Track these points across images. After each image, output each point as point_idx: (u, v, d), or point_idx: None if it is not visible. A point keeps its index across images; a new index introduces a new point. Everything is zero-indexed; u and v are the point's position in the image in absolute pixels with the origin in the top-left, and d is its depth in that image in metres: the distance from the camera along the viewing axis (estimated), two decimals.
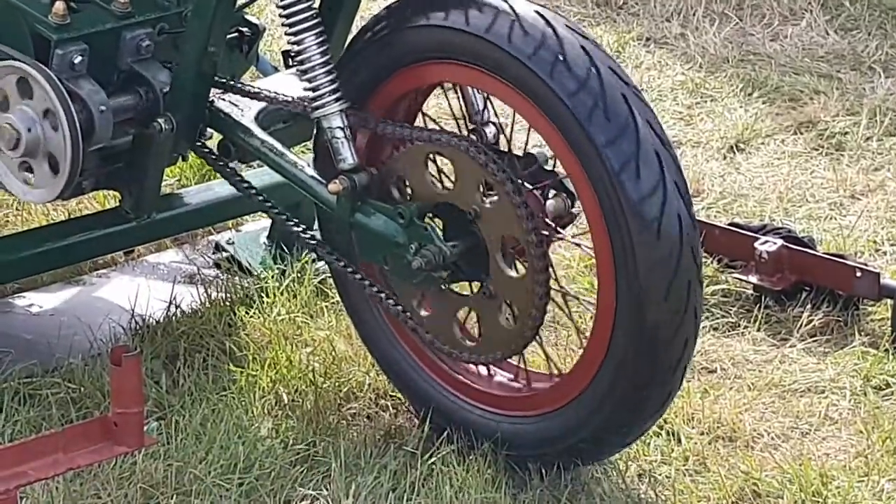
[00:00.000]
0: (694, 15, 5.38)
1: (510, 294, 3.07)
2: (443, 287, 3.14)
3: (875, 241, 4.03)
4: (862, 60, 5.05)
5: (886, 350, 3.53)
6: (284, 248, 3.88)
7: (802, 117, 4.67)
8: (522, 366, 3.23)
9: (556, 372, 3.20)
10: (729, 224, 3.91)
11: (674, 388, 3.04)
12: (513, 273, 3.06)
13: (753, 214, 4.11)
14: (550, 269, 3.03)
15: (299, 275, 3.76)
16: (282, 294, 3.70)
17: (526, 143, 3.15)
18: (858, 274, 3.66)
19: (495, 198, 3.02)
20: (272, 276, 3.75)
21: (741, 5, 5.48)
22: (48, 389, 3.36)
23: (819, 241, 3.89)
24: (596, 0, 5.53)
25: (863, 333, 3.62)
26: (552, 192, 3.10)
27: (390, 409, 3.37)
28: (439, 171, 3.14)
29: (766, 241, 3.75)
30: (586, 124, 2.89)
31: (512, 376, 3.24)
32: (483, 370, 3.26)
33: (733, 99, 4.80)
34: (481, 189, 3.05)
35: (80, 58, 3.23)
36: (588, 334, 3.06)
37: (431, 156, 3.12)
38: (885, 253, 3.98)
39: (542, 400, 3.14)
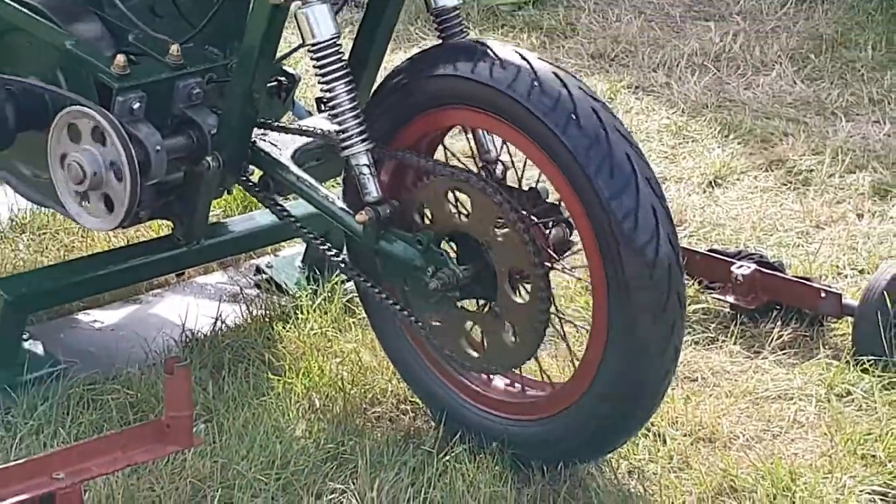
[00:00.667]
0: (677, 66, 5.42)
1: (514, 313, 3.10)
2: (456, 305, 3.18)
3: (837, 266, 4.05)
4: (825, 106, 5.07)
5: (848, 362, 3.55)
6: (317, 270, 3.90)
7: (773, 156, 4.69)
8: (525, 375, 3.27)
9: (554, 381, 3.24)
10: (708, 250, 3.93)
11: (659, 396, 3.07)
12: (517, 295, 3.09)
13: (730, 242, 4.14)
14: (551, 291, 3.07)
15: (330, 294, 3.79)
16: (314, 311, 3.72)
17: (520, 177, 3.19)
18: (823, 294, 3.68)
19: (504, 228, 3.04)
20: (306, 296, 3.77)
21: (718, 58, 5.52)
22: (109, 395, 3.39)
23: (788, 266, 3.91)
24: (591, 53, 5.57)
25: (827, 347, 3.64)
26: (553, 224, 3.15)
27: (410, 413, 3.40)
28: (455, 202, 3.15)
29: (742, 266, 3.77)
30: (592, 173, 2.94)
31: (516, 385, 3.27)
32: (491, 378, 3.29)
33: (712, 140, 4.83)
34: (491, 220, 3.08)
35: (138, 104, 3.27)
36: (584, 348, 3.09)
37: (447, 189, 3.16)
38: (846, 276, 4.00)
39: (543, 406, 3.17)
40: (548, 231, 3.11)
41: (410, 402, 3.42)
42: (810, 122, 4.95)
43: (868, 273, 3.95)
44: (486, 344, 3.19)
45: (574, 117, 2.95)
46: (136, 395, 3.40)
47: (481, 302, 3.19)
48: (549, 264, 3.07)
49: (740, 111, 5.05)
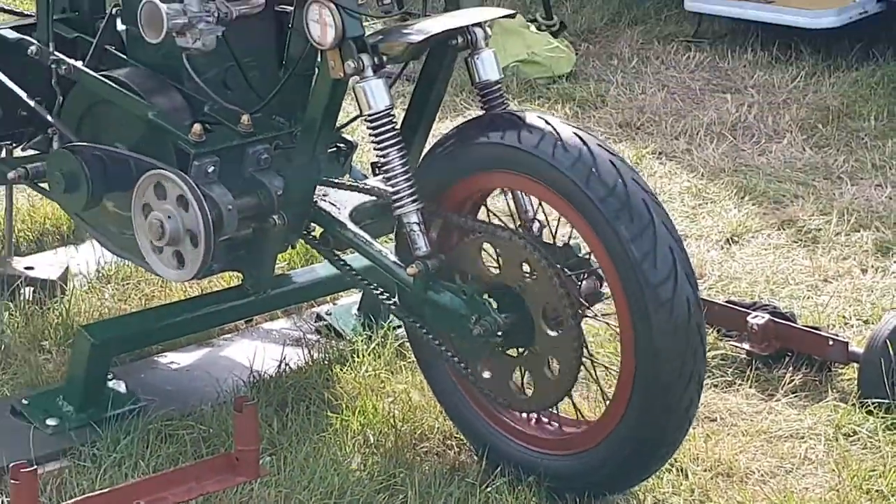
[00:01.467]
0: (697, 134, 5.39)
1: (550, 357, 3.08)
2: (497, 349, 3.15)
3: (843, 317, 3.99)
4: (832, 171, 5.02)
5: (854, 404, 3.50)
6: (371, 317, 3.87)
7: (784, 217, 4.65)
8: (559, 414, 3.24)
9: (585, 420, 3.20)
10: (726, 301, 3.89)
11: (682, 435, 3.04)
12: (552, 341, 3.07)
13: (745, 294, 4.09)
14: (583, 337, 3.05)
15: (383, 339, 3.76)
16: (369, 355, 3.70)
17: (554, 234, 3.17)
18: (831, 342, 3.63)
19: (541, 280, 3.03)
20: (361, 341, 3.74)
21: (735, 127, 5.48)
22: (184, 430, 3.37)
23: (799, 316, 3.86)
24: (619, 122, 5.55)
25: (834, 390, 3.59)
26: (585, 276, 3.13)
27: (455, 448, 3.36)
28: (496, 257, 3.14)
29: (757, 316, 3.73)
30: (620, 232, 2.92)
31: (551, 422, 3.24)
32: (528, 417, 3.25)
33: (728, 201, 4.79)
34: (529, 273, 3.07)
35: (212, 167, 3.27)
36: (613, 391, 3.06)
37: (490, 245, 3.14)
38: (851, 326, 3.95)
39: (576, 442, 3.14)
40: (580, 282, 3.10)
41: (455, 438, 3.38)
42: (818, 186, 4.90)
43: (872, 323, 3.90)
44: (523, 385, 3.16)
45: (594, 170, 2.94)
46: (208, 430, 3.38)
47: (520, 346, 3.15)
48: (581, 313, 3.05)
49: (755, 175, 5.00)
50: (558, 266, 3.03)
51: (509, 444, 3.23)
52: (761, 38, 6.31)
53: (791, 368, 3.68)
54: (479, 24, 3.21)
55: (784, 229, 4.57)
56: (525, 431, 3.23)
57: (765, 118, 5.55)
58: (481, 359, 3.17)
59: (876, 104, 5.61)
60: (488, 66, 3.25)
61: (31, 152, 3.93)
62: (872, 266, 4.31)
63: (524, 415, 3.26)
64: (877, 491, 3.18)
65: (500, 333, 3.09)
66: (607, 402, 3.09)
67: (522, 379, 3.17)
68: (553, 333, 3.04)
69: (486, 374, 3.18)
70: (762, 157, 5.20)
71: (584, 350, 3.06)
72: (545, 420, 3.25)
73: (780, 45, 6.23)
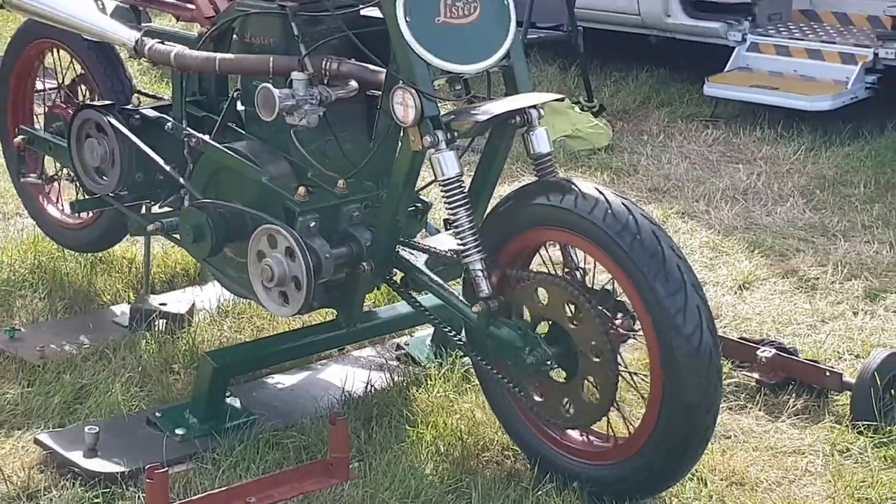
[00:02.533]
0: (714, 198, 5.36)
1: (591, 382, 3.07)
2: (547, 376, 3.14)
3: (838, 352, 3.95)
4: (828, 230, 4.98)
5: (847, 426, 3.46)
6: (442, 348, 3.85)
7: (788, 267, 4.61)
8: (600, 430, 3.21)
9: (622, 435, 3.17)
10: (739, 338, 3.85)
11: (702, 451, 3.02)
12: (593, 368, 3.05)
13: (755, 332, 4.05)
14: (618, 365, 3.03)
15: (451, 366, 3.74)
16: (440, 379, 3.68)
17: (593, 280, 3.16)
18: (827, 373, 3.59)
19: (584, 318, 3.02)
20: (434, 367, 3.73)
21: (746, 192, 5.45)
22: (287, 440, 3.36)
23: (800, 351, 3.82)
24: (648, 187, 5.53)
25: (830, 414, 3.55)
26: (620, 315, 3.11)
27: (511, 458, 3.33)
28: (547, 299, 3.13)
29: (765, 350, 3.69)
30: (650, 279, 2.91)
31: (591, 437, 3.21)
32: (574, 433, 3.24)
33: (741, 254, 4.75)
34: (574, 312, 3.06)
35: (314, 223, 3.29)
36: (644, 410, 3.04)
37: (541, 289, 3.13)
38: (845, 359, 3.90)
39: (613, 454, 3.12)
40: (616, 320, 3.08)
41: (511, 449, 3.36)
42: (816, 242, 4.86)
43: (862, 358, 3.85)
44: (569, 406, 3.13)
45: (638, 237, 2.92)
46: (307, 439, 3.37)
47: (566, 373, 3.13)
48: (616, 345, 3.03)
49: (762, 232, 4.97)
50: (599, 307, 3.01)
51: (557, 456, 3.21)
52: (768, 118, 6.29)
53: (794, 395, 3.63)
54: (533, 106, 3.22)
55: (787, 278, 4.53)
56: (570, 445, 3.21)
57: (771, 185, 5.51)
58: (534, 383, 3.15)
59: (864, 174, 5.58)
60: (541, 141, 3.25)
61: (163, 208, 3.96)
62: (862, 310, 4.26)
63: (569, 431, 3.23)
64: (867, 499, 3.14)
65: (549, 362, 3.08)
66: (639, 422, 3.07)
67: (568, 401, 3.13)
68: (594, 360, 3.02)
69: (537, 397, 3.16)
70: (769, 217, 5.16)
71: (620, 376, 3.03)
72: (587, 435, 3.22)
73: (784, 124, 6.20)
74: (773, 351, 3.70)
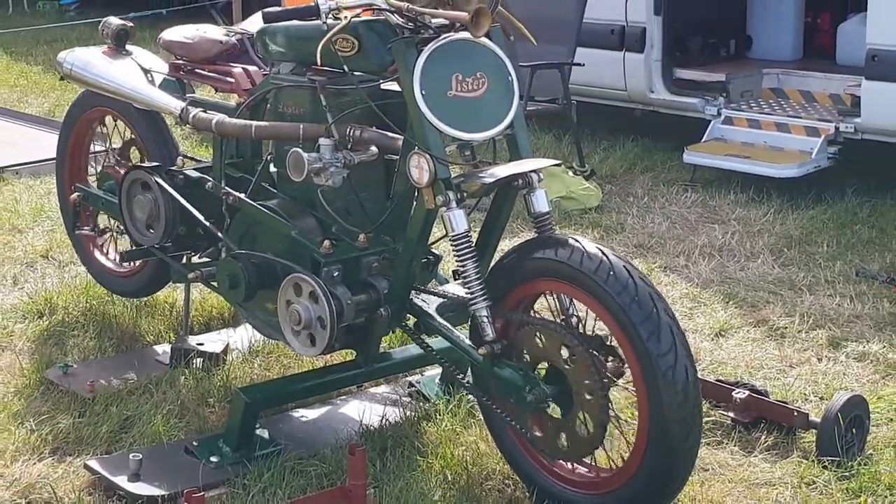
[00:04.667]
0: (693, 254, 5.33)
1: (584, 418, 3.05)
2: (546, 412, 3.11)
3: (804, 394, 3.90)
4: (795, 284, 4.95)
5: (813, 461, 3.42)
6: (450, 385, 3.83)
7: (759, 317, 4.57)
8: (592, 462, 3.18)
9: (613, 466, 3.14)
10: (716, 380, 3.82)
11: (684, 480, 2.98)
12: (586, 405, 3.03)
13: (730, 374, 4.02)
14: (609, 403, 3.01)
15: (458, 402, 3.71)
16: (447, 414, 3.65)
17: (584, 326, 3.15)
18: (795, 413, 3.56)
19: (578, 361, 3.00)
20: (442, 403, 3.71)
21: (721, 249, 5.42)
22: (310, 467, 3.34)
23: (770, 392, 3.78)
24: (634, 243, 5.51)
25: (798, 450, 3.50)
26: (611, 358, 3.10)
27: (512, 486, 3.30)
28: (545, 343, 3.11)
29: (739, 392, 3.66)
30: (637, 325, 2.89)
31: (584, 469, 3.18)
32: (568, 465, 3.20)
33: (717, 305, 4.71)
34: (569, 355, 3.05)
35: (337, 273, 3.29)
36: (632, 444, 3.01)
37: (540, 335, 3.12)
38: (811, 400, 3.85)
39: (604, 483, 3.09)
40: (607, 363, 3.06)
41: (511, 478, 3.32)
42: (784, 295, 4.83)
43: (826, 399, 3.81)
44: (564, 439, 3.11)
45: (636, 299, 2.90)
46: (328, 468, 3.35)
47: (562, 409, 3.10)
48: (607, 385, 3.01)
49: (736, 286, 4.94)
50: (592, 351, 3.00)
51: (554, 485, 3.18)
52: (741, 183, 6.28)
53: (765, 432, 3.59)
54: (534, 171, 3.22)
55: (759, 327, 4.49)
56: (565, 475, 3.18)
57: (744, 243, 5.49)
58: (534, 419, 3.12)
59: (827, 235, 5.56)
60: (541, 201, 3.25)
61: (202, 259, 3.97)
62: (826, 356, 4.22)
63: (564, 462, 3.20)
64: None
65: (547, 400, 3.06)
66: (628, 455, 3.04)
67: (563, 435, 3.11)
68: (587, 398, 3.00)
69: (536, 432, 3.14)
70: (742, 272, 5.14)
71: (610, 413, 3.01)
72: (580, 467, 3.19)
73: (755, 189, 6.19)
74: (747, 392, 3.67)
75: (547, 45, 5.32)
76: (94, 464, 3.34)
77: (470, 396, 3.73)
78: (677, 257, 5.32)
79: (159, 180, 3.79)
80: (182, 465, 3.36)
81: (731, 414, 3.66)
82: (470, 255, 3.12)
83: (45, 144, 6.87)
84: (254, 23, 4.10)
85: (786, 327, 4.47)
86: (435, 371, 3.97)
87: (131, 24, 4.26)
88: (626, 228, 5.77)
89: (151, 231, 3.85)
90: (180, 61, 4.06)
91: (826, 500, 3.24)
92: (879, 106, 5.77)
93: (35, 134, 7.33)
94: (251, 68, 3.89)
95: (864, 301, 4.71)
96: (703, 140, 6.55)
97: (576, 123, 6.54)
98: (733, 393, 3.67)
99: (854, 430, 3.45)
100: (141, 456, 3.29)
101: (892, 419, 3.69)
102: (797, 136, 6.28)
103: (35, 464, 3.42)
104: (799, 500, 3.24)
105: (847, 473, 3.35)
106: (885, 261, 5.19)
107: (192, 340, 4.13)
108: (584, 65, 6.45)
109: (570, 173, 6.24)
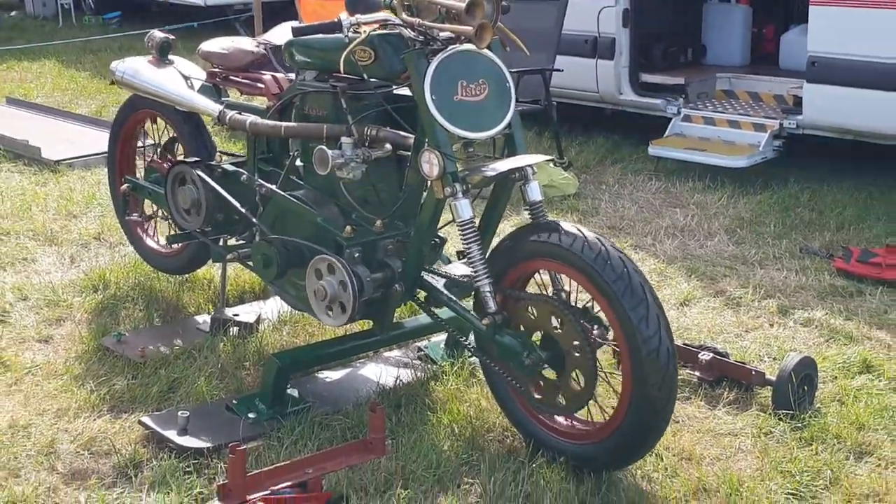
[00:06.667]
0: (659, 235, 5.29)
1: (575, 377, 3.02)
2: (541, 374, 3.08)
3: (759, 355, 3.88)
4: (748, 260, 4.92)
5: (770, 414, 3.40)
6: (454, 350, 3.80)
7: (718, 289, 4.55)
8: (582, 416, 3.16)
9: (600, 420, 3.11)
10: (683, 344, 3.78)
11: (663, 430, 2.95)
12: (578, 365, 3.00)
13: (695, 339, 3.99)
14: (597, 364, 2.98)
15: (461, 364, 3.69)
16: (453, 374, 3.63)
17: (575, 299, 3.11)
18: (753, 373, 3.54)
19: (569, 329, 2.98)
20: (448, 365, 3.68)
21: (683, 230, 5.39)
22: (336, 423, 3.31)
23: (731, 354, 3.75)
24: (607, 225, 5.47)
25: (756, 405, 3.49)
26: (597, 327, 3.07)
27: (510, 437, 3.28)
28: (538, 314, 3.08)
29: (704, 354, 3.64)
30: (611, 284, 2.85)
31: (575, 421, 3.16)
32: (561, 418, 3.18)
33: (681, 278, 4.68)
34: (560, 323, 3.02)
35: (358, 254, 3.25)
36: (617, 401, 2.99)
37: (536, 307, 3.09)
38: (765, 361, 3.83)
39: (592, 435, 3.06)
40: (594, 329, 3.03)
41: (510, 430, 3.30)
42: (739, 269, 4.80)
43: (778, 360, 3.79)
44: (558, 396, 3.09)
45: (609, 262, 2.87)
46: (350, 422, 3.33)
47: (556, 371, 3.07)
48: (594, 347, 2.97)
49: (697, 261, 4.91)
50: (581, 321, 2.97)
51: (547, 436, 3.15)
52: (698, 172, 6.24)
53: (727, 389, 3.58)
54: (529, 165, 3.19)
55: (718, 297, 4.47)
56: (558, 428, 3.16)
57: (702, 224, 5.46)
58: (532, 381, 3.09)
59: (774, 217, 5.53)
60: (535, 191, 3.21)
61: (238, 241, 3.91)
62: (776, 322, 4.20)
63: (558, 416, 3.18)
64: (788, 472, 3.09)
65: (542, 363, 3.03)
66: (613, 410, 3.01)
67: (558, 394, 3.08)
68: (577, 356, 2.98)
69: (533, 391, 3.11)
70: (701, 249, 5.10)
71: (598, 372, 2.98)
72: (572, 420, 3.16)
73: (710, 178, 6.16)
74: (711, 354, 3.65)
75: (531, 53, 5.26)
76: (147, 420, 3.31)
77: (472, 360, 3.70)
78: (645, 237, 5.28)
79: (200, 173, 3.74)
80: (224, 421, 3.33)
81: (697, 373, 3.64)
82: (474, 239, 3.08)
83: (94, 140, 6.81)
84: (275, 34, 4.06)
85: (741, 297, 4.45)
86: (440, 338, 3.93)
87: (173, 37, 4.19)
88: (599, 212, 5.72)
89: (193, 217, 3.80)
90: (216, 69, 4.00)
91: (782, 448, 3.22)
92: (819, 105, 5.73)
93: (85, 131, 7.24)
94: (279, 75, 3.83)
95: (807, 274, 4.69)
96: (666, 135, 6.51)
97: (555, 121, 6.49)
98: (699, 355, 3.65)
99: (805, 387, 3.43)
100: (188, 413, 3.26)
101: (836, 377, 3.67)
102: (746, 132, 6.24)
103: (95, 420, 3.39)
104: (759, 448, 3.22)
105: (800, 425, 3.33)
106: (824, 239, 5.16)
107: (229, 312, 4.08)
108: (562, 70, 6.39)
109: (551, 164, 6.18)
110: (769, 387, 3.50)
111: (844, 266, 4.69)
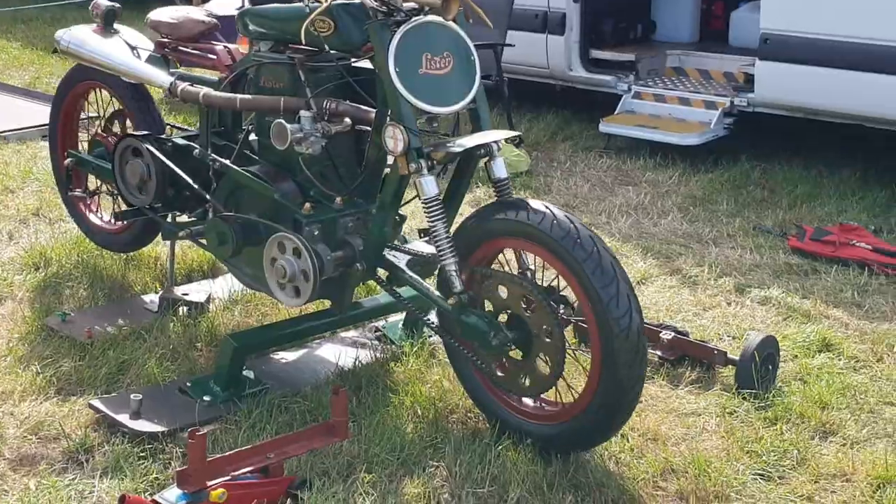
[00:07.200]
0: (613, 212, 5.27)
1: (543, 358, 2.99)
2: (507, 354, 3.04)
3: (718, 333, 3.88)
4: (702, 238, 4.93)
5: (733, 393, 3.40)
6: (413, 330, 3.75)
7: (674, 268, 4.55)
8: (546, 398, 3.11)
9: (567, 401, 3.07)
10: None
11: (632, 410, 2.92)
12: (545, 346, 2.97)
13: (654, 318, 3.97)
14: (565, 343, 2.94)
15: (420, 345, 3.63)
16: (413, 356, 3.57)
17: (541, 278, 3.07)
18: (715, 352, 3.54)
19: (538, 309, 2.93)
20: (408, 345, 3.62)
21: (636, 208, 5.37)
22: (295, 405, 3.24)
23: (691, 333, 3.75)
24: (561, 203, 5.42)
25: (718, 384, 3.48)
26: (563, 306, 3.03)
27: (475, 419, 3.22)
28: (506, 293, 3.03)
29: (665, 332, 3.63)
30: (582, 262, 2.81)
31: (541, 403, 3.10)
32: (527, 400, 3.13)
33: (637, 257, 4.67)
34: (528, 303, 2.97)
35: (317, 231, 3.17)
36: (586, 379, 2.95)
37: (501, 285, 3.04)
38: (724, 340, 3.84)
39: (558, 415, 3.02)
40: (560, 308, 2.99)
41: (473, 412, 3.25)
42: (694, 248, 4.80)
43: (737, 339, 3.80)
44: (525, 377, 3.04)
45: (578, 241, 2.83)
46: (310, 405, 3.25)
47: (523, 350, 3.02)
48: (561, 327, 2.93)
49: (652, 240, 4.90)
50: (548, 300, 2.92)
51: (513, 417, 3.10)
52: (649, 150, 6.24)
53: (688, 368, 3.57)
54: (495, 141, 3.13)
55: (674, 276, 4.46)
56: (524, 409, 3.11)
57: (655, 203, 5.46)
58: (496, 361, 3.05)
59: (726, 195, 5.54)
60: (500, 168, 3.16)
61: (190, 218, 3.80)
62: (734, 301, 4.20)
63: (523, 398, 3.13)
64: (754, 452, 3.08)
65: (509, 344, 2.99)
66: (581, 390, 2.97)
67: (524, 375, 3.03)
68: (546, 340, 2.94)
69: (499, 372, 3.06)
70: (655, 227, 5.10)
71: (566, 353, 2.94)
72: (538, 401, 3.12)
73: (661, 155, 6.16)
74: (672, 334, 3.64)
75: (482, 28, 5.21)
76: (97, 403, 3.20)
77: (432, 340, 3.66)
78: (599, 215, 5.26)
79: (150, 147, 3.61)
80: (178, 404, 3.23)
81: (659, 353, 3.62)
82: (440, 217, 3.01)
83: (29, 113, 6.58)
84: (217, 3, 3.94)
85: (697, 276, 4.45)
86: (398, 317, 3.86)
87: (119, 6, 4.04)
88: (552, 190, 5.69)
89: (143, 193, 3.68)
90: (166, 39, 3.86)
91: (747, 428, 3.22)
92: (770, 82, 5.75)
93: (19, 104, 7.00)
94: (231, 46, 3.71)
95: (762, 253, 4.71)
96: (616, 112, 6.49)
97: (507, 97, 6.43)
98: (660, 334, 3.63)
99: (768, 367, 3.44)
100: (141, 396, 3.16)
101: (796, 356, 3.69)
102: (697, 109, 6.25)
103: (42, 403, 3.27)
104: (724, 428, 3.22)
105: (763, 404, 3.33)
106: (777, 217, 5.19)
107: (178, 290, 3.98)
108: (514, 45, 6.33)
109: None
110: (731, 366, 3.50)
111: (798, 244, 4.72)
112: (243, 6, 7.01)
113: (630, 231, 5.03)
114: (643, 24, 7.28)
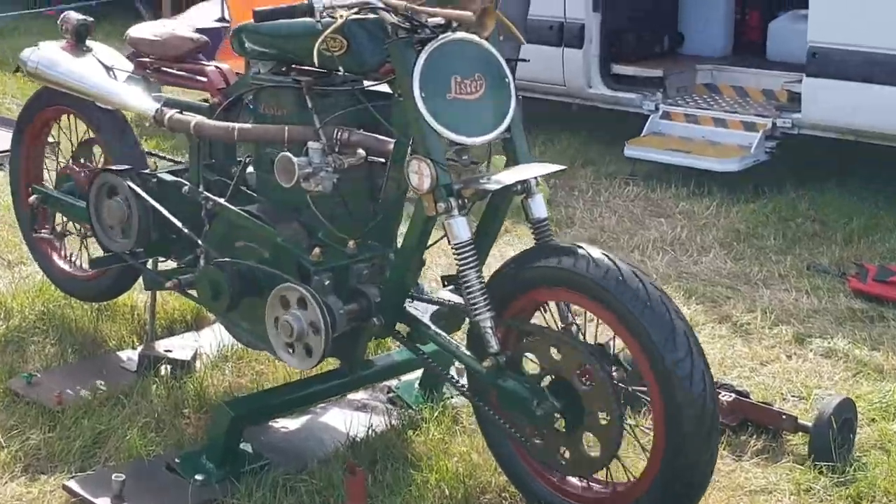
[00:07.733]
0: (647, 248, 5.15)
1: (596, 433, 2.81)
2: (553, 426, 2.86)
3: (781, 393, 3.72)
4: (750, 279, 4.79)
5: (808, 466, 3.22)
6: (430, 390, 3.58)
7: (722, 314, 4.40)
8: (597, 477, 2.92)
9: (629, 479, 2.87)
10: None
11: (702, 492, 2.75)
12: (600, 419, 2.79)
13: None
14: (623, 414, 2.77)
15: (442, 409, 3.46)
16: (433, 422, 3.40)
17: (584, 334, 2.91)
18: (784, 416, 3.37)
19: (596, 382, 2.74)
20: (426, 409, 3.44)
21: (673, 243, 5.25)
22: (301, 484, 3.05)
23: (751, 393, 3.59)
24: (586, 238, 5.25)
25: (789, 454, 3.31)
26: (614, 368, 2.86)
27: (509, 499, 3.05)
28: (550, 354, 2.87)
29: (725, 395, 3.46)
30: (651, 330, 2.66)
31: (590, 483, 2.92)
32: (573, 478, 2.96)
33: (679, 301, 4.48)
34: (577, 366, 2.80)
35: (327, 281, 3.01)
36: (647, 461, 2.77)
37: (547, 345, 2.87)
38: (787, 400, 3.68)
39: (610, 500, 2.85)
40: (615, 372, 2.81)
41: (508, 491, 3.07)
42: (742, 290, 4.66)
43: (804, 399, 3.66)
44: (571, 455, 2.86)
45: (649, 304, 2.65)
46: (319, 484, 3.06)
47: (572, 424, 2.83)
48: (623, 408, 2.76)
49: (694, 280, 4.76)
50: (609, 370, 2.74)
51: (556, 499, 2.92)
52: (681, 177, 6.12)
53: (753, 436, 3.40)
54: (535, 176, 2.98)
55: (723, 324, 4.31)
56: (571, 490, 2.93)
57: (693, 237, 5.32)
58: (543, 433, 2.86)
59: (773, 228, 5.41)
60: (539, 207, 3.01)
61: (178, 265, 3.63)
62: (794, 353, 4.05)
63: (567, 476, 2.95)
64: None
65: (556, 415, 2.82)
66: (643, 469, 2.79)
67: (571, 450, 2.85)
68: (601, 420, 2.76)
69: (544, 446, 2.88)
70: (696, 266, 4.96)
71: (624, 425, 2.76)
72: (587, 481, 2.93)
73: (696, 183, 6.03)
74: (732, 395, 3.48)
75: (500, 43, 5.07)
76: (73, 485, 3.02)
77: (453, 403, 3.49)
78: (632, 252, 5.12)
79: (131, 184, 3.45)
80: (166, 484, 3.06)
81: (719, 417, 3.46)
82: (473, 264, 2.84)
83: None
84: (197, 17, 3.79)
85: (750, 323, 4.30)
86: (413, 376, 3.69)
87: (91, 19, 3.88)
88: (575, 223, 5.56)
89: (123, 237, 3.51)
90: (146, 59, 3.70)
91: None
92: (821, 102, 5.63)
93: None
94: (224, 66, 3.56)
95: (819, 296, 4.57)
96: (643, 134, 6.38)
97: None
98: (720, 396, 3.46)
99: (851, 435, 3.28)
100: (124, 476, 2.97)
101: (873, 419, 3.53)
102: (735, 131, 6.14)
103: (6, 484, 3.10)
104: None
105: (843, 479, 3.17)
106: (833, 254, 5.05)
107: (160, 346, 3.81)
108: (529, 60, 6.20)
109: None
110: (803, 433, 3.34)
111: (861, 286, 4.58)
112: (223, 18, 6.92)
113: (668, 270, 4.89)
114: (670, 36, 7.18)
